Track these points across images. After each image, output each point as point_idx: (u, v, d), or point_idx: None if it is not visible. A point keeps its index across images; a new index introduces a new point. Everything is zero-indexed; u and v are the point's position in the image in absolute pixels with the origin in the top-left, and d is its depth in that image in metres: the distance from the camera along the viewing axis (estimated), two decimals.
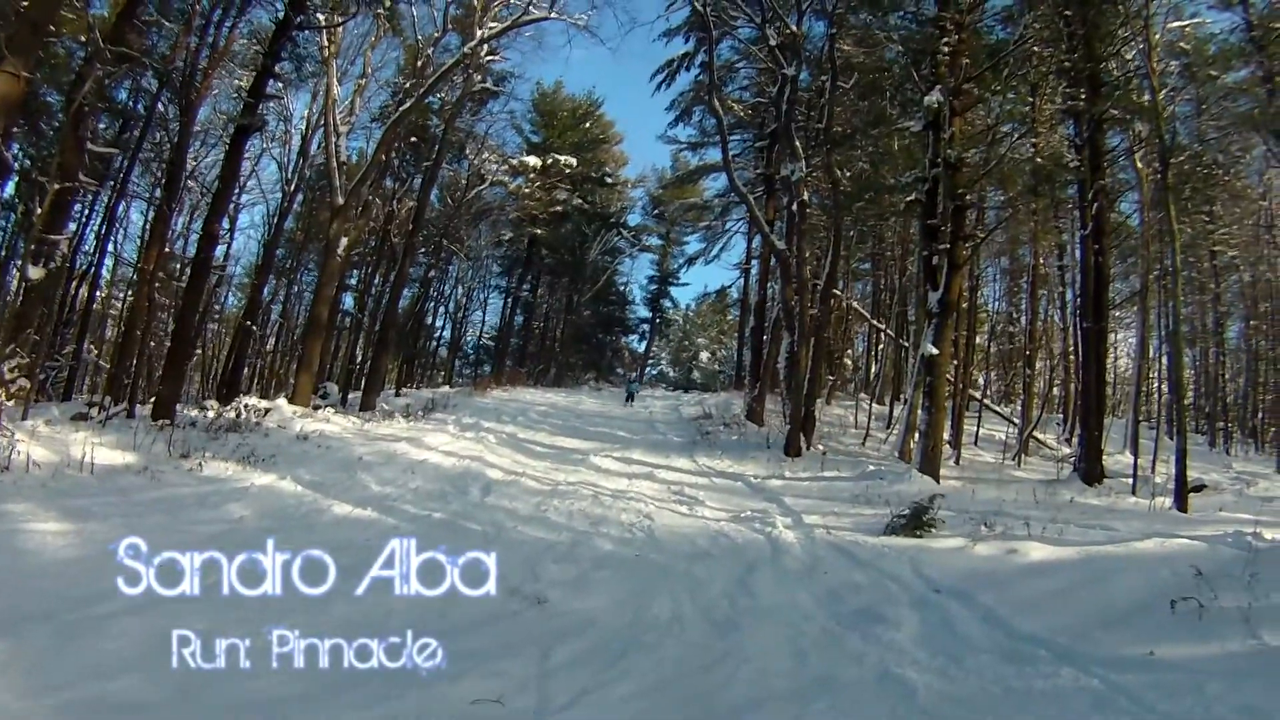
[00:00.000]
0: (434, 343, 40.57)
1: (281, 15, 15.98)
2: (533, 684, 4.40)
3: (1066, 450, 19.36)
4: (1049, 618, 5.63)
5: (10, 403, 9.43)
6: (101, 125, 17.47)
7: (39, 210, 11.31)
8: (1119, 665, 4.69)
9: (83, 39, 13.23)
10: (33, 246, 11.14)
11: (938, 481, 13.33)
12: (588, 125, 41.01)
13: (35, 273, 10.73)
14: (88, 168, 13.07)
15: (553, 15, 20.20)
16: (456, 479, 11.11)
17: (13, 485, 7.01)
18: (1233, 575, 5.47)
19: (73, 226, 16.63)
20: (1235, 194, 22.46)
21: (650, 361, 49.85)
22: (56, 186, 11.23)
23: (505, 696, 4.11)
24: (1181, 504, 12.12)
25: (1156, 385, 24.78)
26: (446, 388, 27.98)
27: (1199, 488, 13.89)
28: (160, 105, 18.22)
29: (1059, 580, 6.44)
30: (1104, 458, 15.32)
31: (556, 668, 4.68)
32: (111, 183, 18.50)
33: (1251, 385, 28.55)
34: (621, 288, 48.33)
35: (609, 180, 42.74)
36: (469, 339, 43.73)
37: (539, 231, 39.12)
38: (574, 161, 36.11)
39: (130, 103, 18.84)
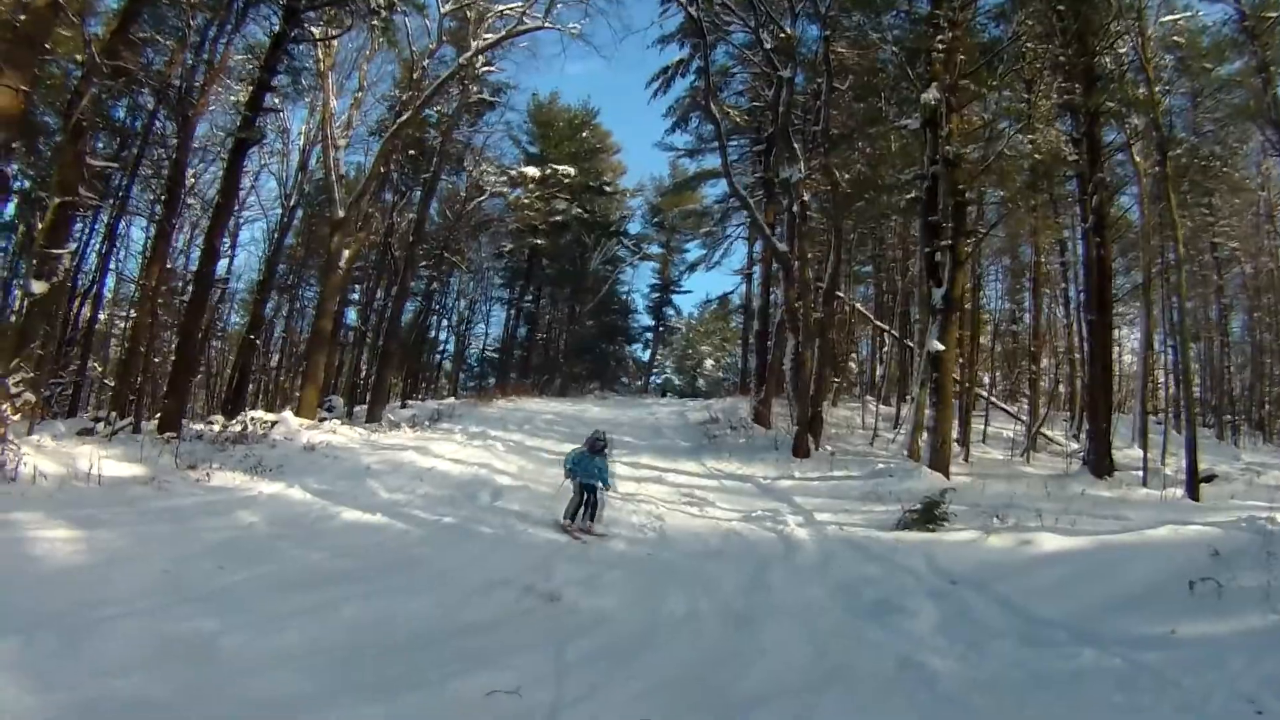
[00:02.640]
0: (438, 356, 40.49)
1: (276, 29, 15.95)
2: (548, 678, 4.35)
3: (1075, 446, 19.28)
4: (1066, 603, 5.63)
5: (16, 417, 9.37)
6: (99, 144, 17.42)
7: (40, 225, 11.30)
8: (1139, 644, 4.66)
9: (78, 58, 13.24)
10: (34, 261, 11.10)
11: (947, 478, 13.24)
12: (585, 135, 41.17)
13: (38, 287, 10.67)
14: (87, 184, 13.06)
15: (546, 25, 20.30)
16: (465, 485, 11.05)
17: (20, 496, 6.99)
18: (1250, 556, 5.49)
19: (74, 245, 16.62)
20: (1234, 185, 22.50)
21: (655, 370, 49.92)
22: (57, 200, 11.24)
23: (522, 689, 4.06)
24: (1193, 493, 12.07)
25: (1162, 379, 24.70)
26: (451, 399, 27.90)
27: (1209, 478, 13.80)
28: (158, 122, 18.26)
29: (1074, 567, 6.42)
30: (1113, 451, 15.25)
31: (572, 663, 4.63)
32: (111, 200, 18.42)
33: (1257, 377, 28.46)
34: (624, 297, 48.56)
35: (607, 189, 42.81)
36: (472, 351, 43.75)
37: (539, 242, 39.19)
38: (572, 171, 36.19)
39: (128, 121, 18.86)
